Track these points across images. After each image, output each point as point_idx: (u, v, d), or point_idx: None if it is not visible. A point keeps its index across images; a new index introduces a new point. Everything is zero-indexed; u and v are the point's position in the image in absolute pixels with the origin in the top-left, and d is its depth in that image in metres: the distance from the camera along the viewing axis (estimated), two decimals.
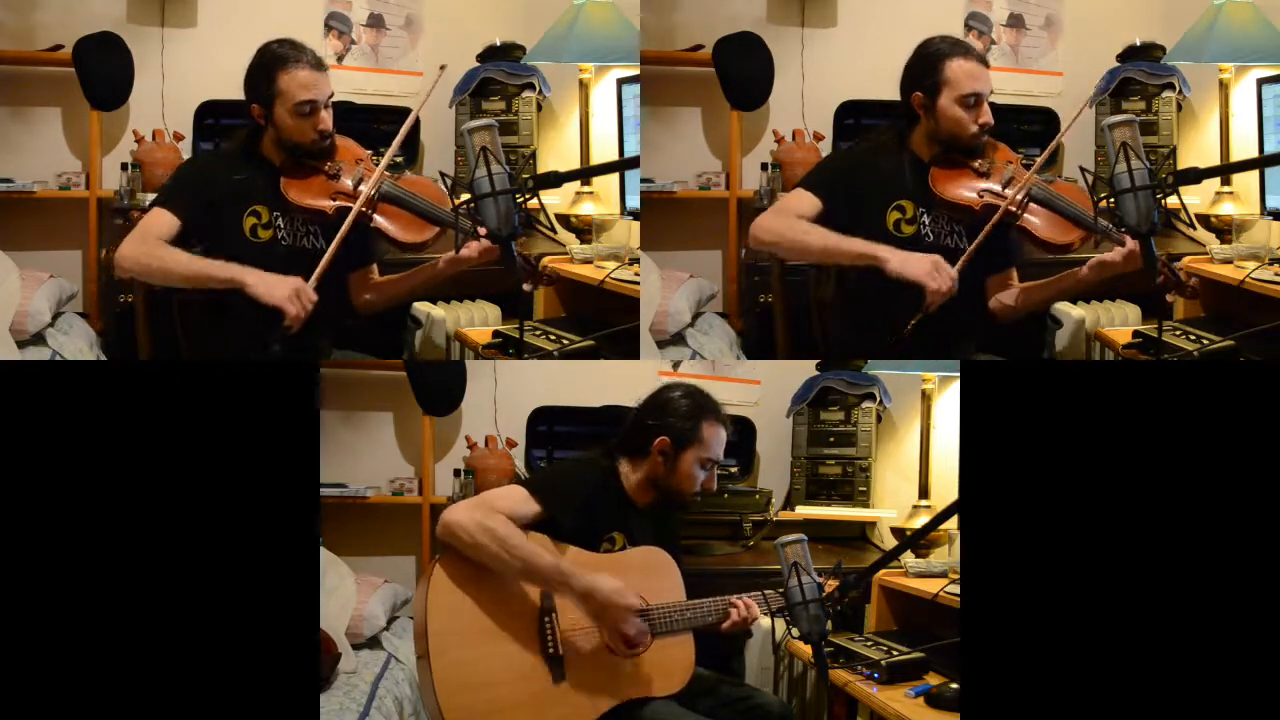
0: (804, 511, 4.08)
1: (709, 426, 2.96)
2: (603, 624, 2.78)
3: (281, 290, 3.01)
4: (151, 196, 3.46)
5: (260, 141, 3.15)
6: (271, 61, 3.09)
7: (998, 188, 3.08)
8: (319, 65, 3.12)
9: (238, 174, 3.14)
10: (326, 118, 3.11)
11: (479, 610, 2.75)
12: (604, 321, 3.69)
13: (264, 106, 3.10)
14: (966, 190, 3.09)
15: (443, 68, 3.25)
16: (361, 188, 3.12)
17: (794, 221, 3.14)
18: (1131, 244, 2.97)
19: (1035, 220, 3.08)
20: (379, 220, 3.15)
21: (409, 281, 3.31)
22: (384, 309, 3.35)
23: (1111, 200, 2.97)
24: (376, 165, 3.16)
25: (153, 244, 3.07)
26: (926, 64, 3.10)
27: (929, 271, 3.02)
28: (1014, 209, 3.06)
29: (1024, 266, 3.25)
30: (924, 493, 4.02)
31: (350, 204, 3.11)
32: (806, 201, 3.17)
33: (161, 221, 3.10)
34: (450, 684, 2.69)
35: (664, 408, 2.97)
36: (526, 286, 3.14)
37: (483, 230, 3.07)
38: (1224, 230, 3.98)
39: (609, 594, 2.76)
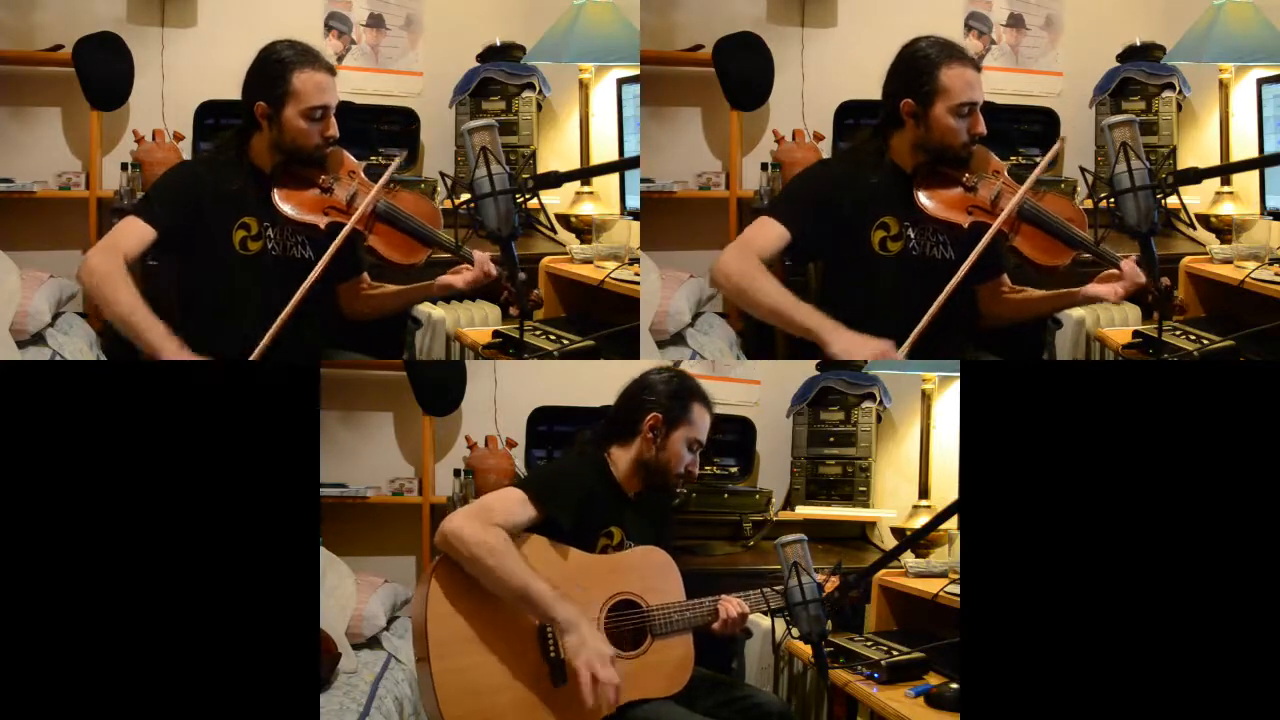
0: (804, 511, 4.08)
1: (697, 407, 2.96)
2: (576, 661, 2.68)
3: None
4: None
5: (249, 145, 3.10)
6: (286, 61, 3.04)
7: (987, 205, 3.00)
8: (332, 71, 3.09)
9: (227, 184, 3.07)
10: (334, 124, 3.07)
11: (478, 615, 2.73)
12: (604, 321, 3.69)
13: (271, 105, 3.04)
14: (955, 210, 3.00)
15: (396, 160, 3.21)
16: (356, 203, 3.07)
17: (752, 268, 3.03)
18: (1131, 275, 2.95)
19: (1026, 241, 3.01)
20: (371, 238, 3.11)
21: (402, 298, 3.29)
22: (375, 319, 3.32)
23: (1111, 200, 2.97)
24: (369, 177, 3.12)
25: (114, 267, 3.00)
26: (919, 70, 2.98)
27: (875, 356, 3.00)
28: (1005, 229, 2.99)
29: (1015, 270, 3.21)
30: (924, 493, 4.02)
31: (343, 220, 3.07)
32: (772, 233, 3.06)
33: (133, 233, 3.04)
34: (451, 690, 2.68)
35: (653, 387, 2.97)
36: (513, 311, 3.13)
37: (478, 258, 3.09)
38: (1224, 230, 3.99)
39: (585, 639, 2.68)
